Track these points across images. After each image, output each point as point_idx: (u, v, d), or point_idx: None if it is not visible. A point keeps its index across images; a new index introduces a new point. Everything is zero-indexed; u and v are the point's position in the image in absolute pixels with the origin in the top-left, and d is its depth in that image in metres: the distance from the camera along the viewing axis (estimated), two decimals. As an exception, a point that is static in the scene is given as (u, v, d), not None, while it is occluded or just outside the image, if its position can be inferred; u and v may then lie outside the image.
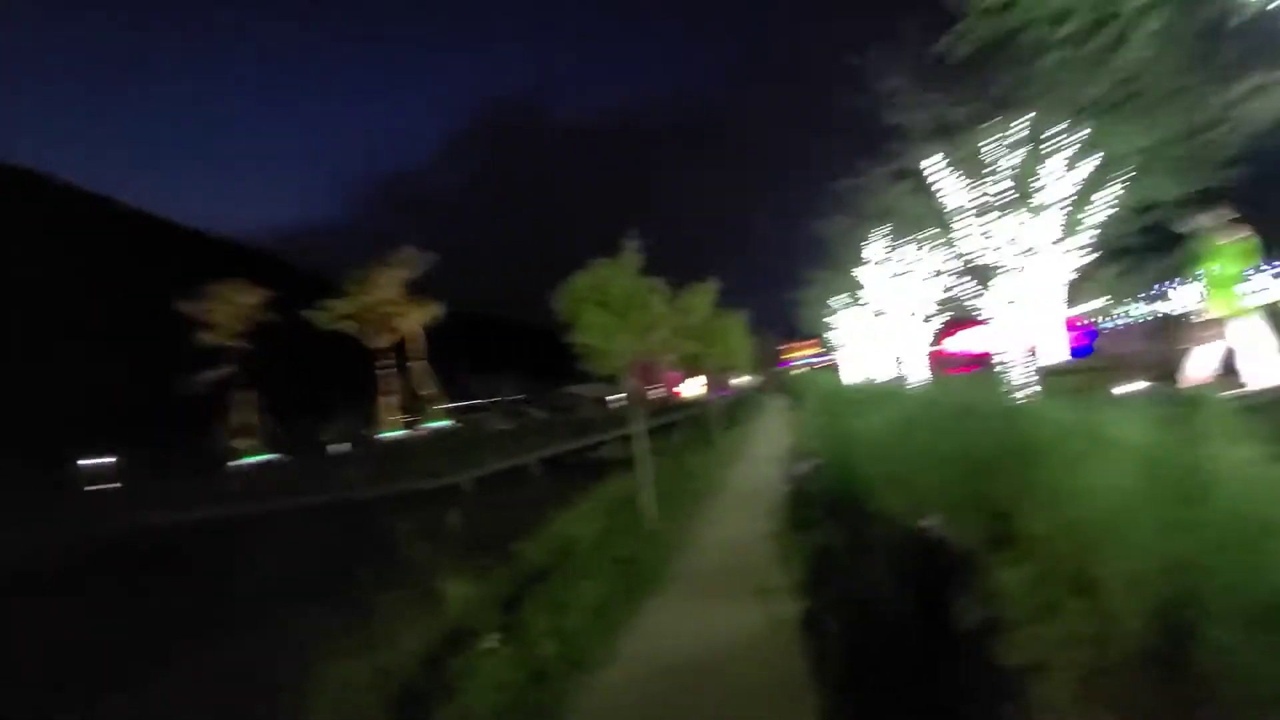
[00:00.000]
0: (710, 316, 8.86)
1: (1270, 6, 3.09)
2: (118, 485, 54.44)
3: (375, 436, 58.46)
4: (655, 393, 61.95)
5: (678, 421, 27.21)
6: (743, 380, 48.02)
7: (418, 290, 59.94)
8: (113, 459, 61.40)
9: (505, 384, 73.41)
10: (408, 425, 60.67)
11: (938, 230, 10.40)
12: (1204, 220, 11.23)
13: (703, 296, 8.64)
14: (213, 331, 52.38)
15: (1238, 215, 11.49)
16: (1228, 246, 11.31)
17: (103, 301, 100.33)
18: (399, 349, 60.78)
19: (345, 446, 57.80)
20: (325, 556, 23.45)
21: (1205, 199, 10.00)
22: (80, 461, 60.88)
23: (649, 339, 7.49)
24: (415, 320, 59.57)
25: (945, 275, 13.20)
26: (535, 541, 11.38)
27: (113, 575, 24.79)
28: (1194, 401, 3.04)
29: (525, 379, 77.91)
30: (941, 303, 14.85)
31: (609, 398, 74.66)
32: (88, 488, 54.23)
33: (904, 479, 2.73)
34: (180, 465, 51.75)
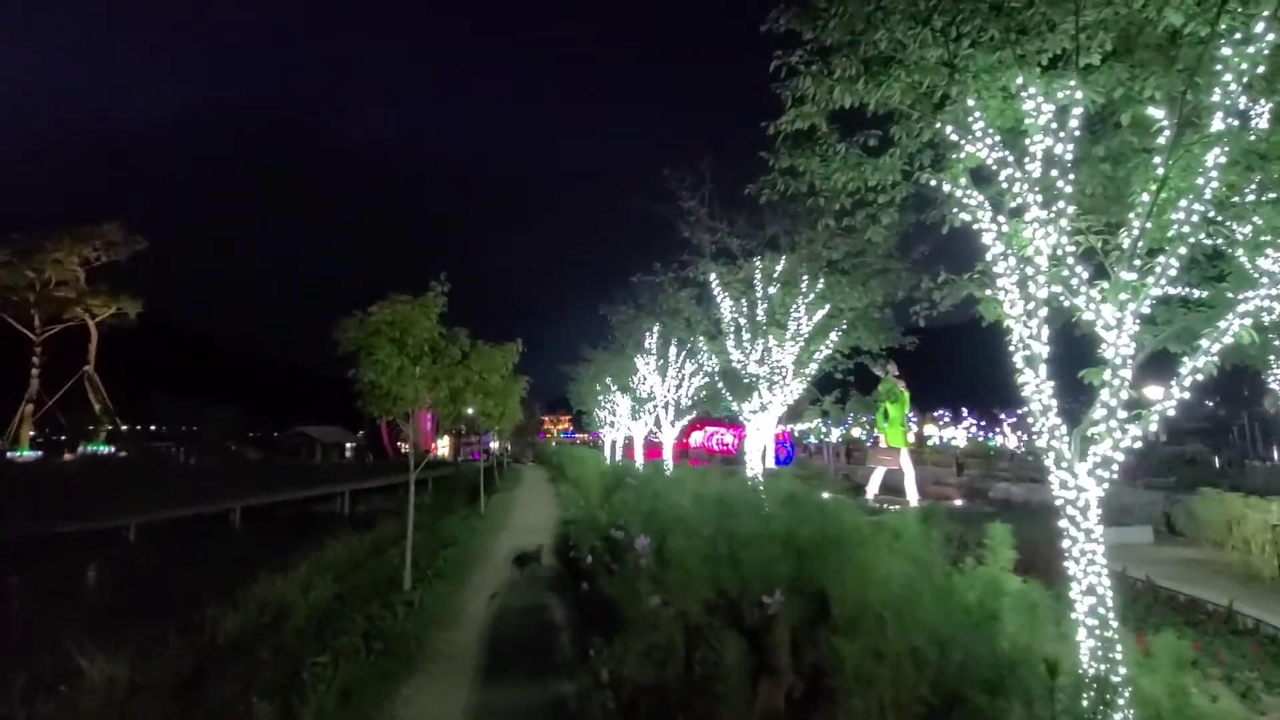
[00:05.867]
0: (506, 378, 8.64)
1: (965, 225, 4.31)
2: None
3: (3, 454, 43.07)
4: (406, 447, 57.19)
5: (428, 481, 25.35)
6: (496, 446, 47.15)
7: (109, 278, 47.66)
8: None
9: (211, 413, 61.10)
10: (53, 445, 46.41)
11: (708, 335, 11.84)
12: (889, 369, 14.61)
13: (504, 356, 8.44)
14: None
15: (899, 372, 15.36)
16: (902, 393, 14.81)
17: None
18: (65, 346, 47.25)
19: None
20: None
21: (890, 354, 13.12)
22: None
23: (443, 389, 7.03)
24: (97, 314, 47.11)
25: (705, 377, 14.93)
26: (232, 608, 9.41)
27: None
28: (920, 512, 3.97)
29: (242, 411, 65.85)
30: (697, 401, 16.63)
31: (347, 445, 66.84)
32: None
33: (730, 559, 2.97)
34: None
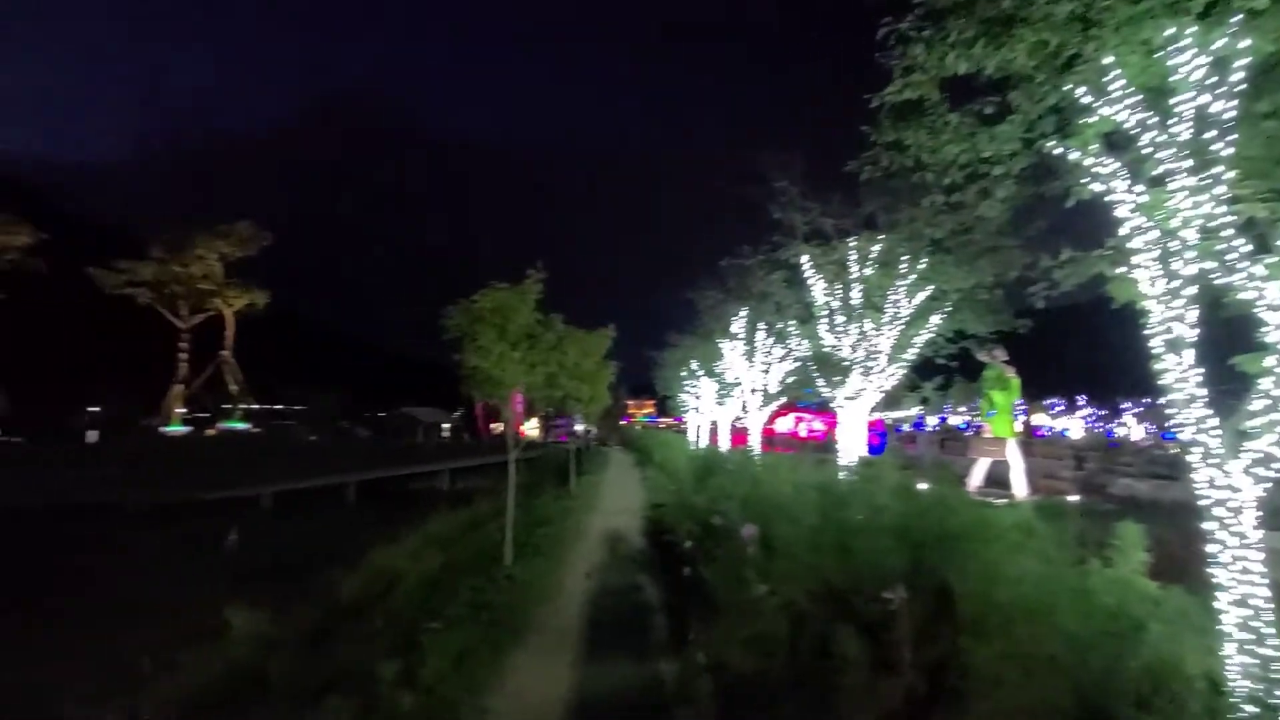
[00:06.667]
0: (598, 363, 8.86)
1: (1094, 197, 3.92)
2: None
3: (157, 429, 49.32)
4: (498, 428, 60.14)
5: (519, 462, 26.35)
6: (581, 428, 48.25)
7: (242, 272, 53.05)
8: None
9: (326, 394, 66.65)
10: (198, 421, 52.35)
11: (799, 320, 11.53)
12: (995, 354, 13.65)
13: (597, 342, 8.64)
14: (-50, 269, 41.82)
15: (1008, 357, 14.21)
16: (1011, 380, 13.81)
17: None
18: (205, 334, 52.92)
19: (94, 435, 47.67)
20: (62, 563, 19.07)
21: (998, 338, 12.24)
22: None
23: (539, 373, 7.31)
24: (233, 304, 52.46)
25: (795, 361, 14.57)
26: (352, 573, 10.26)
27: None
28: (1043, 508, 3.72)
29: (352, 392, 71.36)
30: (786, 386, 16.27)
31: (444, 425, 70.86)
32: None
33: (838, 550, 2.91)
34: None
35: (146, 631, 9.61)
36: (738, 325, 16.86)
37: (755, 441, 18.08)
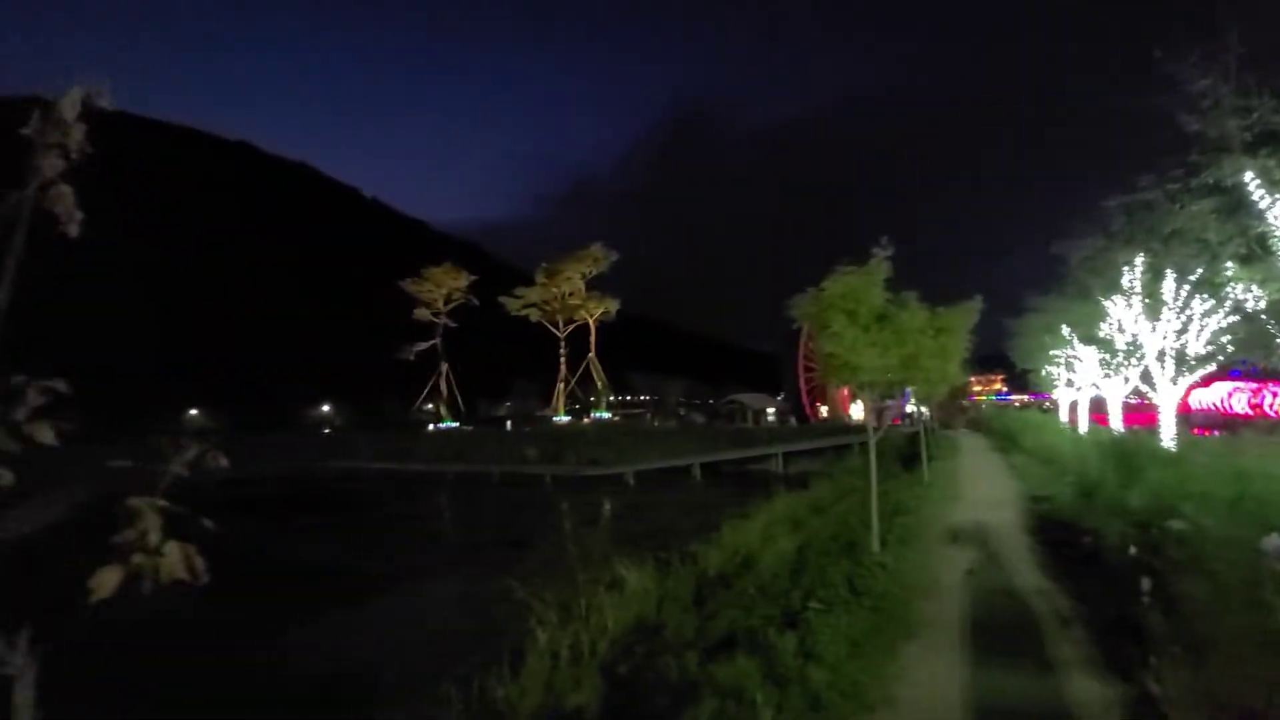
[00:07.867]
0: (959, 338, 7.92)
1: None
2: (330, 431, 64.71)
3: (547, 418, 62.94)
4: (823, 412, 59.62)
5: (850, 446, 25.47)
6: (913, 409, 43.94)
7: (598, 286, 63.47)
8: (328, 408, 73.54)
9: (667, 385, 74.88)
10: (575, 412, 64.48)
11: (1240, 259, 8.57)
12: None
13: (958, 319, 7.74)
14: (425, 308, 60.17)
15: None
16: None
17: (335, 276, 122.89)
18: (575, 339, 64.85)
19: (509, 424, 63.84)
20: (506, 521, 26.12)
21: None
22: (324, 408, 73.77)
23: (893, 355, 6.94)
24: (593, 314, 63.06)
25: (1231, 316, 10.92)
26: (711, 546, 11.30)
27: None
28: None
29: (687, 382, 78.75)
30: (1217, 348, 12.29)
31: (768, 410, 73.00)
32: (322, 430, 65.15)
33: None
34: (386, 422, 60.33)
35: (568, 578, 12.19)
36: (1130, 277, 13.34)
37: (1168, 421, 14.12)
